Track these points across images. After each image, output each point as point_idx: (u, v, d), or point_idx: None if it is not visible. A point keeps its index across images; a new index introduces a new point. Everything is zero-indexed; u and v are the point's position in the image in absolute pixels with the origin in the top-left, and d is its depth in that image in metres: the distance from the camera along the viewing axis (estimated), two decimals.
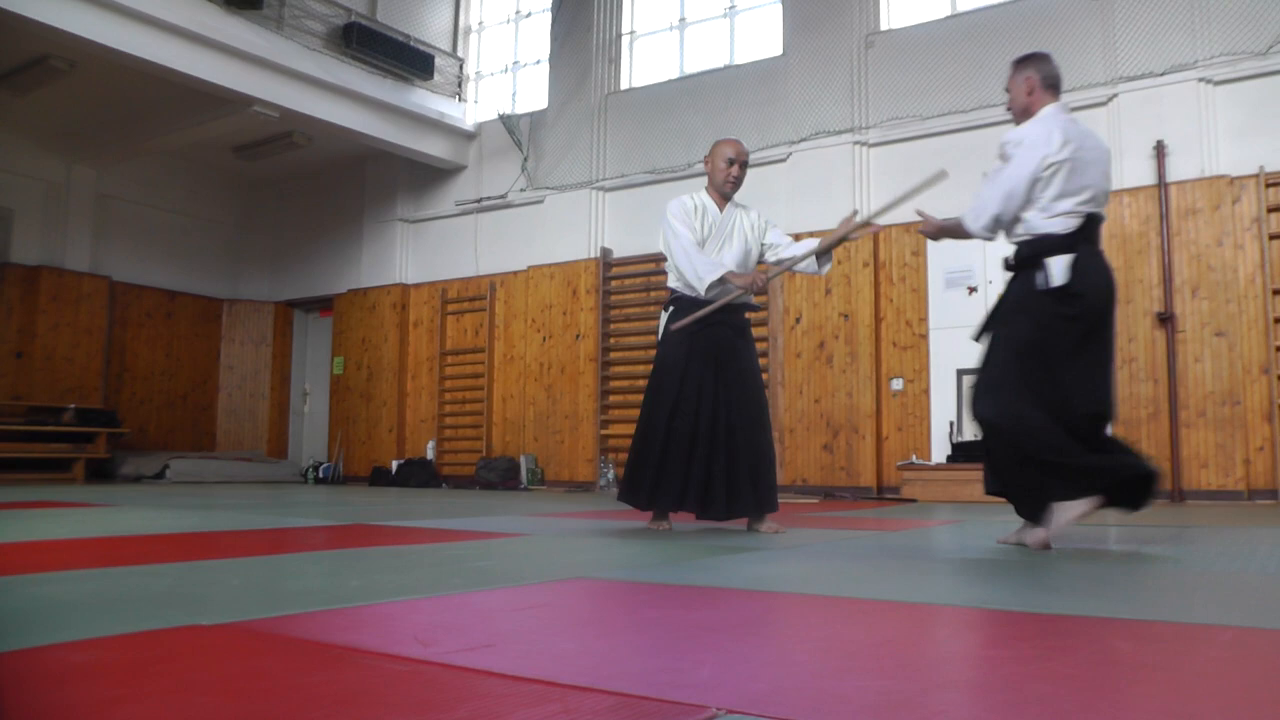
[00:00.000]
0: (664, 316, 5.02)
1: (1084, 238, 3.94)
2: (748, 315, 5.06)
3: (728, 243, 4.87)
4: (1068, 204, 3.91)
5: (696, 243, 4.83)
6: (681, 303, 4.89)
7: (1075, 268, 3.89)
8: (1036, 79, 4.11)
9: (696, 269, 4.76)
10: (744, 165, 4.95)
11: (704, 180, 5.08)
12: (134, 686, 1.44)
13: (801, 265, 4.90)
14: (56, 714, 1.27)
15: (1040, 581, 2.93)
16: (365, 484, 13.48)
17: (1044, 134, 3.95)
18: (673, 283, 4.97)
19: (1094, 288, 3.91)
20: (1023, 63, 4.19)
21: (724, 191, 4.94)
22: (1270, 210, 8.51)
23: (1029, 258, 4.00)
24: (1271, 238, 8.49)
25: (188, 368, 14.97)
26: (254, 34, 11.03)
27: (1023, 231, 4.03)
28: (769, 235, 4.98)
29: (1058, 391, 3.87)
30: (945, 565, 3.34)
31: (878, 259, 10.23)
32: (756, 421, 4.78)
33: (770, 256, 4.99)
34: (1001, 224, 4.02)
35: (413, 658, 1.64)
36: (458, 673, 1.53)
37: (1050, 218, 3.94)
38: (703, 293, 4.76)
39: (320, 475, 14.24)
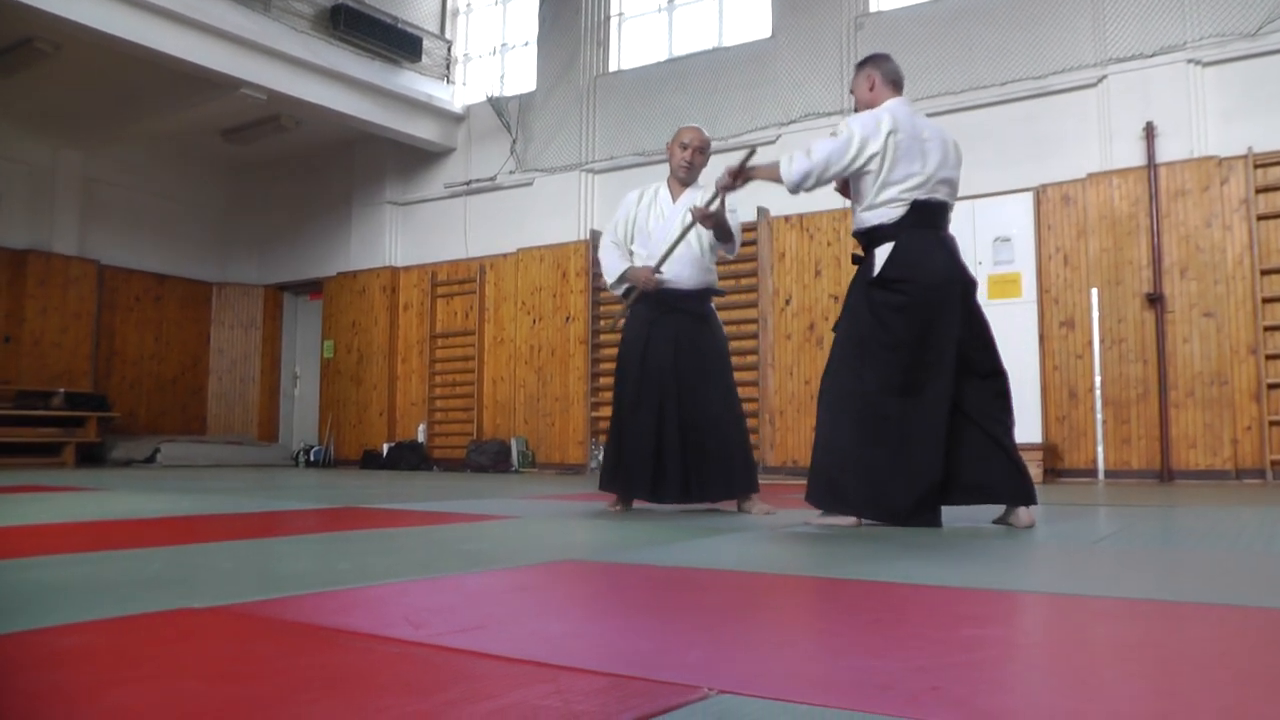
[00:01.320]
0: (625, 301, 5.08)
1: (910, 224, 4.00)
2: (713, 302, 5.08)
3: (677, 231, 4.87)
4: (891, 192, 4.01)
5: (617, 242, 5.00)
6: (644, 295, 4.95)
7: (894, 254, 3.99)
8: (877, 75, 4.25)
9: (606, 268, 5.02)
10: (700, 151, 4.96)
11: None
12: (125, 669, 1.44)
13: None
14: (48, 697, 1.28)
15: (1026, 562, 2.95)
16: (356, 467, 13.49)
17: (873, 120, 4.05)
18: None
19: (921, 274, 3.96)
20: (863, 64, 4.34)
21: (679, 176, 4.98)
22: (1258, 191, 8.52)
23: (865, 249, 4.14)
24: (1259, 219, 8.51)
25: (177, 351, 14.94)
26: (241, 16, 10.97)
27: (856, 228, 4.16)
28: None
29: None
30: (933, 545, 3.35)
31: None
32: (721, 407, 4.82)
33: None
34: (810, 180, 4.08)
35: (404, 639, 1.64)
36: (449, 654, 1.54)
37: (874, 209, 4.05)
38: (610, 288, 5.02)
39: (311, 459, 14.23)
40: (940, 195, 4.07)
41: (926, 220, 4.03)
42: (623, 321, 5.12)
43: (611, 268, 4.95)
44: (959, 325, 3.94)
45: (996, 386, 4.02)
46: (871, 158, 3.99)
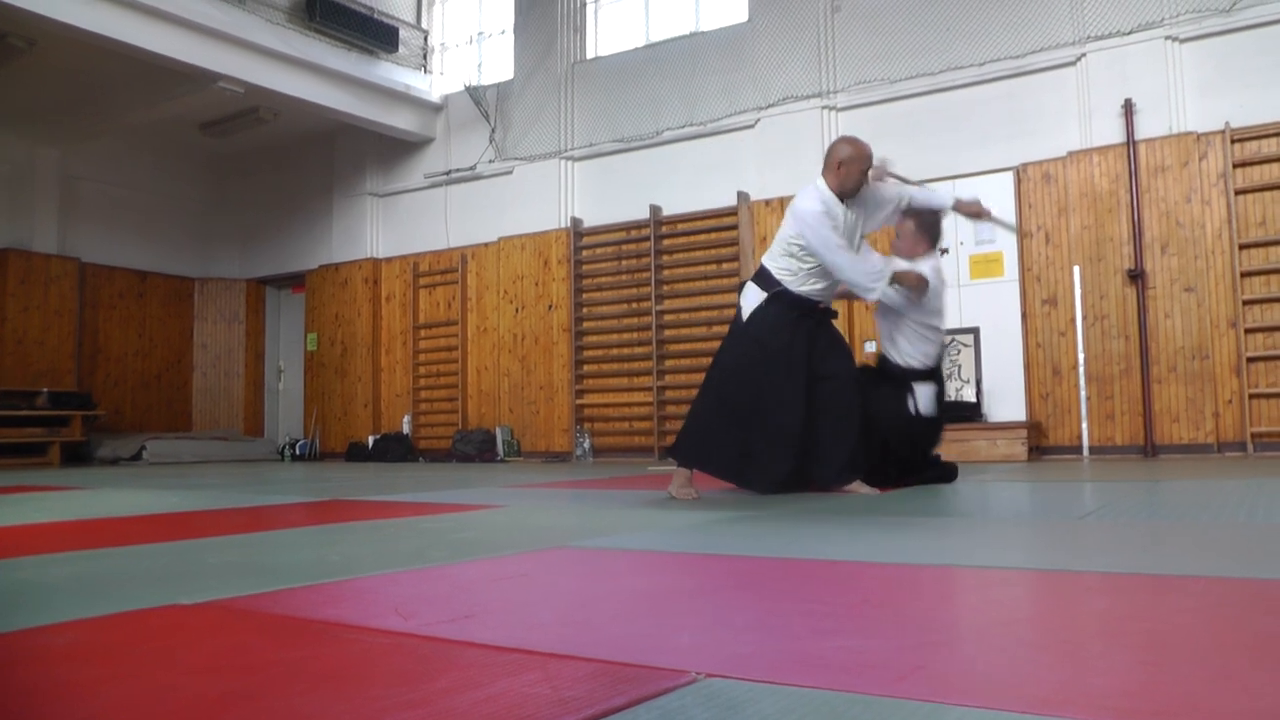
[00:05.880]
0: (752, 295, 5.04)
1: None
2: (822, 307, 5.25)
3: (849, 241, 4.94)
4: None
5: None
6: (785, 298, 4.97)
7: None
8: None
9: (860, 274, 4.90)
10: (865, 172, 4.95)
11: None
12: (116, 667, 1.44)
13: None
14: (40, 696, 1.28)
15: (1012, 538, 2.96)
16: (342, 460, 13.46)
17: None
18: (785, 277, 4.96)
19: None
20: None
21: (848, 189, 4.94)
22: (1236, 166, 8.56)
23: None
24: (1238, 193, 8.54)
25: (161, 348, 14.87)
26: (215, 8, 10.88)
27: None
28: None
29: None
30: (924, 524, 3.37)
31: None
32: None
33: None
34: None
35: (394, 630, 1.65)
36: (439, 644, 1.54)
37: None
38: (876, 296, 5.09)
39: (297, 452, 14.19)
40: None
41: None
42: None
43: (877, 271, 4.96)
44: None
45: None
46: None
